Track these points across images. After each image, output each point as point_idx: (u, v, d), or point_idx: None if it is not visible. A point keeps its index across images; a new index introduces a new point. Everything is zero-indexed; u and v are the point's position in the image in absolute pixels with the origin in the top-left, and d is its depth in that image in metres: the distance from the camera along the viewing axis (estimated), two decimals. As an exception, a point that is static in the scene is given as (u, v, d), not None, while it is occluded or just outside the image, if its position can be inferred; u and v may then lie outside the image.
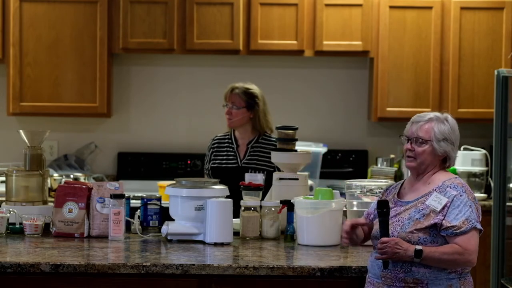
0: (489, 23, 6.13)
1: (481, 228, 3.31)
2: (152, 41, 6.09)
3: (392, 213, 3.35)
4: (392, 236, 3.28)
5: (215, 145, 4.99)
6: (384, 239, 3.26)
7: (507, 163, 5.27)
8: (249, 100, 4.90)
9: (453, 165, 3.46)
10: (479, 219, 3.31)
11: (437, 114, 3.43)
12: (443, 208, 3.29)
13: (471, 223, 3.26)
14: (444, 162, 3.43)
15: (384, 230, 3.29)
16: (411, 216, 3.32)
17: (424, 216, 3.30)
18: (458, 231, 3.25)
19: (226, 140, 4.97)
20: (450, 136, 3.38)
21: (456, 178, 3.41)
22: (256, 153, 4.90)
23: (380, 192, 3.94)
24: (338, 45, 6.13)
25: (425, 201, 3.34)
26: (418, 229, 3.28)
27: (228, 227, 4.06)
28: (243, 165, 4.87)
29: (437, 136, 3.37)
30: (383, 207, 3.30)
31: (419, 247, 3.23)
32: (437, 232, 3.28)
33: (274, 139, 4.88)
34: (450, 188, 3.33)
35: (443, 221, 3.27)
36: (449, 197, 3.30)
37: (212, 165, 4.95)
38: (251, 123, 4.94)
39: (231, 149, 4.94)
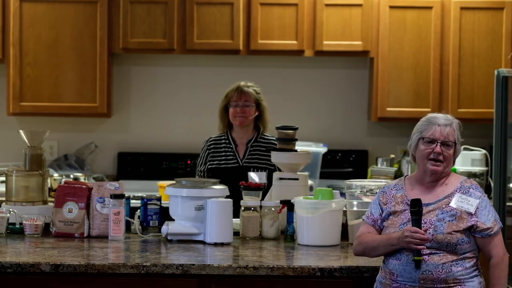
0: (489, 23, 6.13)
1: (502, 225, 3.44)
2: (152, 41, 6.09)
3: (407, 215, 3.36)
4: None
5: (211, 146, 4.97)
6: (416, 231, 3.28)
7: (507, 163, 5.27)
8: (257, 98, 4.91)
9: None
10: None
11: (447, 115, 3.46)
12: (475, 209, 3.35)
13: (498, 223, 3.38)
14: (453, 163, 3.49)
15: (419, 228, 3.32)
16: (440, 217, 3.34)
17: (456, 217, 3.33)
18: (492, 232, 3.35)
19: (223, 141, 4.96)
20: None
21: (469, 179, 3.49)
22: (256, 152, 4.90)
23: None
24: (338, 45, 6.12)
25: (448, 202, 3.36)
26: (455, 231, 3.32)
27: (228, 227, 4.06)
28: (244, 164, 4.86)
29: (458, 138, 3.43)
30: (416, 205, 3.32)
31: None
32: (470, 233, 3.35)
33: (272, 138, 4.88)
34: (473, 189, 3.41)
35: (478, 222, 3.34)
36: (477, 198, 3.38)
37: (209, 166, 4.92)
38: (254, 122, 4.94)
39: (229, 149, 4.93)
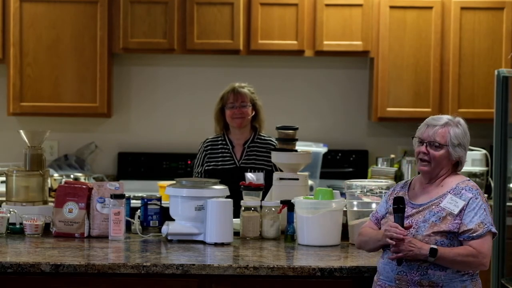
0: (489, 23, 6.13)
1: (495, 231, 3.32)
2: (152, 41, 6.09)
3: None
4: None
5: (208, 147, 4.95)
6: (395, 227, 3.26)
7: (507, 163, 5.28)
8: (253, 97, 4.91)
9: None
10: (493, 222, 3.32)
11: (450, 117, 3.41)
12: (460, 211, 3.29)
13: (486, 226, 3.27)
14: (456, 166, 3.43)
15: (401, 225, 3.30)
16: (426, 218, 3.31)
17: (440, 218, 3.29)
18: (474, 234, 3.26)
19: (220, 142, 4.95)
20: (463, 141, 3.39)
21: (469, 180, 3.41)
22: (253, 152, 4.89)
23: (380, 192, 3.95)
24: (338, 45, 6.13)
25: (439, 203, 3.33)
26: (435, 232, 3.27)
27: (228, 227, 4.06)
28: (241, 165, 4.86)
29: (452, 141, 3.37)
30: (399, 203, 3.31)
31: (434, 246, 3.23)
32: (454, 235, 3.28)
33: (269, 138, 4.88)
34: (466, 190, 3.33)
35: (461, 224, 3.27)
36: (465, 200, 3.31)
37: (207, 168, 4.91)
38: (250, 122, 4.94)
39: (226, 150, 4.92)
